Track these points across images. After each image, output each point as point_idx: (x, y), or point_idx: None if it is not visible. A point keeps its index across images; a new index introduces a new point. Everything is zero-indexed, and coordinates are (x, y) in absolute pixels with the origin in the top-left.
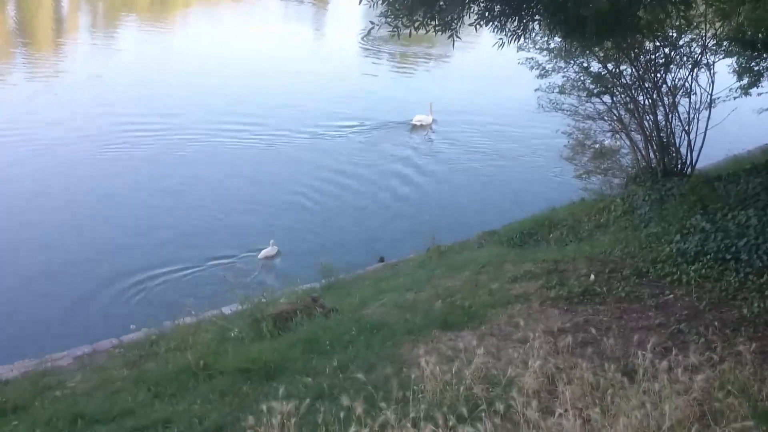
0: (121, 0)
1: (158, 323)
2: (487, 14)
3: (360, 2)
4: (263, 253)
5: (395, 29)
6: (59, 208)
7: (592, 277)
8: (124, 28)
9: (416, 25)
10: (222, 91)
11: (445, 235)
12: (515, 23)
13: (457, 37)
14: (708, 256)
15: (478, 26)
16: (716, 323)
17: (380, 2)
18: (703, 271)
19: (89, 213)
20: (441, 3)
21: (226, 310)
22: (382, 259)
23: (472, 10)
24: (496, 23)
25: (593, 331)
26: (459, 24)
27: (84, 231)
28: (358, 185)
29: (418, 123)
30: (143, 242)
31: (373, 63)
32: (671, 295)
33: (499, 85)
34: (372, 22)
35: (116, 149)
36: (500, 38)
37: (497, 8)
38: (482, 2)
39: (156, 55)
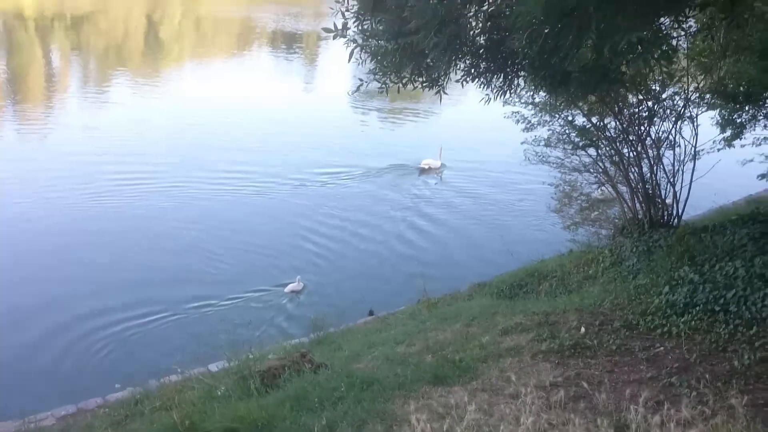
0: (114, 54)
1: (143, 381)
2: (473, 71)
3: (349, 60)
4: (289, 287)
5: (384, 86)
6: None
7: (583, 329)
8: (117, 82)
9: (404, 81)
10: (215, 143)
11: (437, 284)
12: (500, 79)
13: (444, 92)
14: (697, 308)
15: (464, 82)
16: (707, 376)
17: (369, 60)
18: (693, 323)
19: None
20: (428, 60)
21: (213, 367)
22: (371, 312)
23: (458, 66)
24: (481, 79)
25: (585, 385)
26: (446, 80)
27: (69, 284)
28: (345, 235)
29: (426, 166)
30: (129, 293)
31: (364, 114)
32: (662, 348)
33: (489, 135)
34: (361, 79)
35: (109, 200)
36: (486, 94)
37: (483, 65)
38: (468, 59)
39: (149, 108)
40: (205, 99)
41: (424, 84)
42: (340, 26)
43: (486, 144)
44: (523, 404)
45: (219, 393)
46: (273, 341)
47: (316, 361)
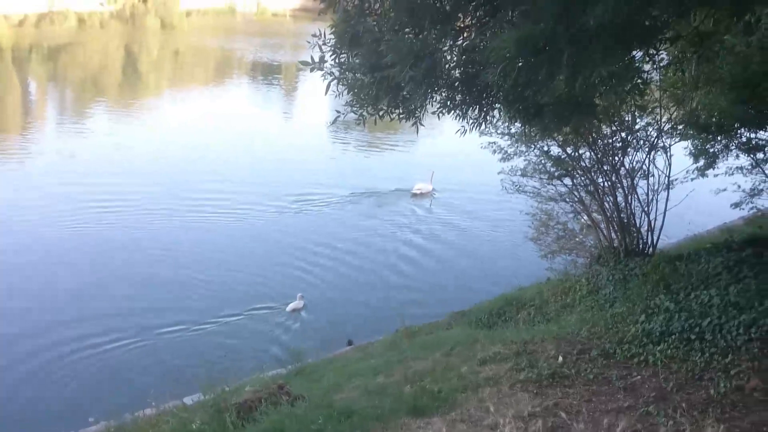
0: (91, 84)
1: (118, 415)
2: (448, 103)
3: (326, 93)
4: (291, 306)
5: (361, 117)
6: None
7: (561, 358)
8: (95, 112)
9: (381, 113)
10: (193, 171)
11: (419, 311)
12: (476, 111)
13: (421, 124)
14: (673, 336)
15: (440, 114)
16: (684, 405)
17: (346, 92)
18: (669, 351)
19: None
20: (404, 93)
21: (188, 400)
22: (350, 342)
23: (434, 99)
24: (457, 111)
25: (563, 415)
26: (422, 112)
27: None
28: (326, 263)
29: (418, 191)
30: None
31: (344, 143)
32: (639, 377)
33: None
34: (338, 111)
35: (84, 227)
36: (462, 126)
37: (458, 97)
38: (444, 92)
39: (127, 136)
40: (183, 128)
41: (401, 116)
42: (317, 59)
43: (468, 171)
44: None
45: (194, 427)
46: (254, 368)
47: (294, 393)
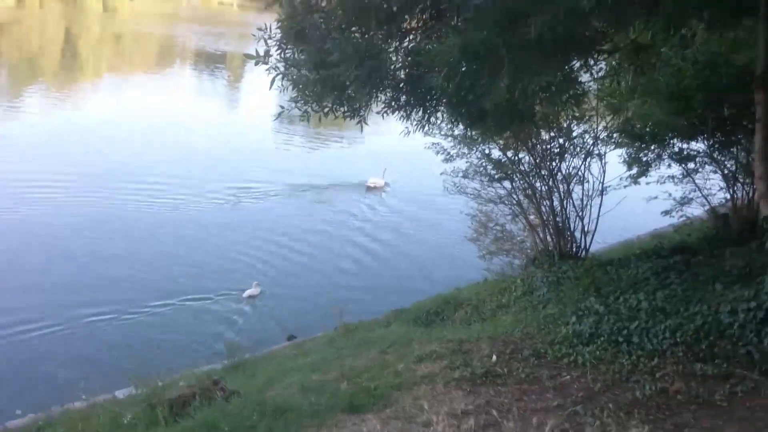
0: (27, 66)
1: (46, 407)
2: (393, 103)
3: (270, 88)
4: (247, 292)
5: (305, 114)
6: None
7: (494, 357)
8: (31, 94)
9: (325, 110)
10: (130, 155)
11: (359, 308)
12: (420, 113)
13: (365, 123)
14: (602, 338)
15: (384, 114)
16: (611, 405)
17: (290, 88)
18: (598, 353)
19: None
20: (349, 91)
21: (120, 394)
22: (290, 337)
23: (379, 98)
24: (402, 112)
25: (495, 413)
26: (367, 111)
27: None
28: (268, 256)
29: (373, 185)
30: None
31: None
32: (568, 377)
33: (412, 165)
34: (282, 106)
35: (14, 210)
36: (406, 127)
37: (403, 98)
38: (389, 92)
39: (64, 120)
40: (120, 114)
41: (346, 114)
42: (262, 53)
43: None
44: None
45: (125, 422)
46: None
47: (229, 389)
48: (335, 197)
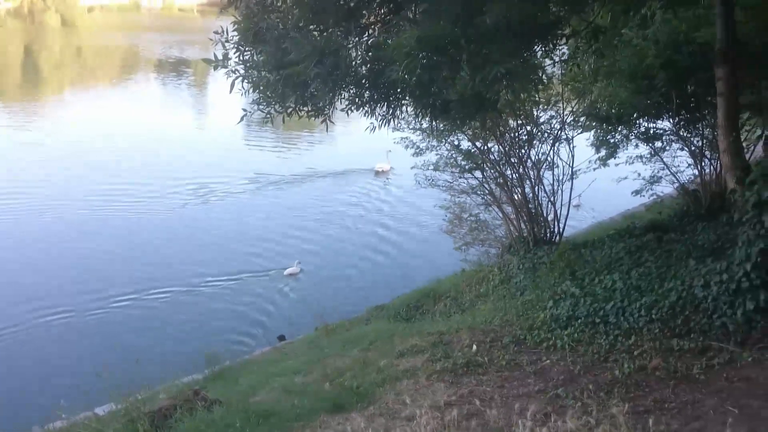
0: None
1: (26, 429)
2: (357, 100)
3: (231, 91)
4: (288, 270)
5: (268, 116)
6: None
7: (475, 347)
8: None
9: (289, 111)
10: (95, 164)
11: (337, 305)
12: (384, 108)
13: (331, 121)
14: (579, 321)
15: (349, 111)
16: (591, 386)
17: (251, 91)
18: (576, 335)
19: None
20: (311, 90)
21: (100, 411)
22: (281, 338)
23: (342, 96)
24: (366, 108)
25: (477, 402)
26: (331, 109)
27: None
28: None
29: (380, 169)
30: None
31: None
32: (548, 361)
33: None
34: (245, 110)
35: None
36: (371, 122)
37: (366, 94)
38: (351, 89)
39: (28, 133)
40: (88, 124)
41: (310, 113)
42: (220, 57)
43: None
44: (418, 426)
45: None
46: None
47: (210, 398)
48: (353, 180)
